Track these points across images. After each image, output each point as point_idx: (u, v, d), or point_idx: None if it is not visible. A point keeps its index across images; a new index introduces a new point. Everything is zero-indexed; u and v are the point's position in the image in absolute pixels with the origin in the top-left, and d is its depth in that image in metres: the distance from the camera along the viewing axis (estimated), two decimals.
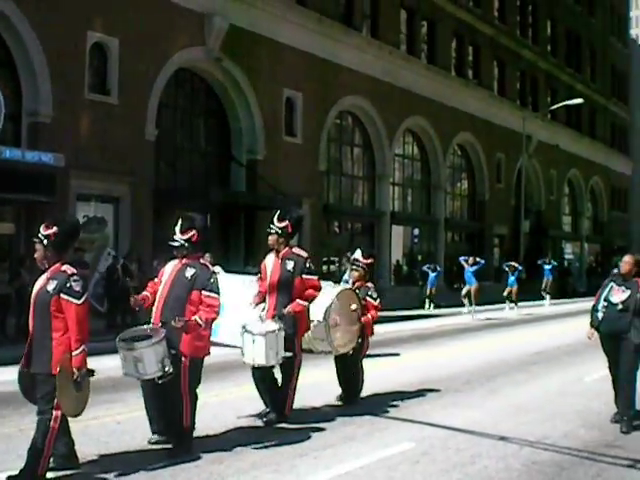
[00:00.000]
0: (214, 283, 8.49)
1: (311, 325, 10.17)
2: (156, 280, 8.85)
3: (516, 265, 32.37)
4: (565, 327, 24.77)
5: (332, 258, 36.07)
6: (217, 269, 9.82)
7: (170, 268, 8.71)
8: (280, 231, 9.75)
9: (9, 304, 20.55)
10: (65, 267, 7.21)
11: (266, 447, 8.61)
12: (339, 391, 11.31)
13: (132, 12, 25.74)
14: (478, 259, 30.21)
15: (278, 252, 9.82)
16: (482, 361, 16.48)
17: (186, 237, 8.55)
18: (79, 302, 7.12)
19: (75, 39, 24.10)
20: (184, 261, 8.58)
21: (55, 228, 7.27)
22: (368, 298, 11.20)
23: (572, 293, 49.78)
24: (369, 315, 11.20)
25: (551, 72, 57.01)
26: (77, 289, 7.13)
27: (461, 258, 30.66)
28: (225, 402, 11.23)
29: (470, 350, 19.04)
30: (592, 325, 10.11)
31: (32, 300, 7.26)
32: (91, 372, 7.36)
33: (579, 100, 50.19)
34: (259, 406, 9.91)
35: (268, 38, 31.40)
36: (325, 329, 10.41)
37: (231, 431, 9.43)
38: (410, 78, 40.26)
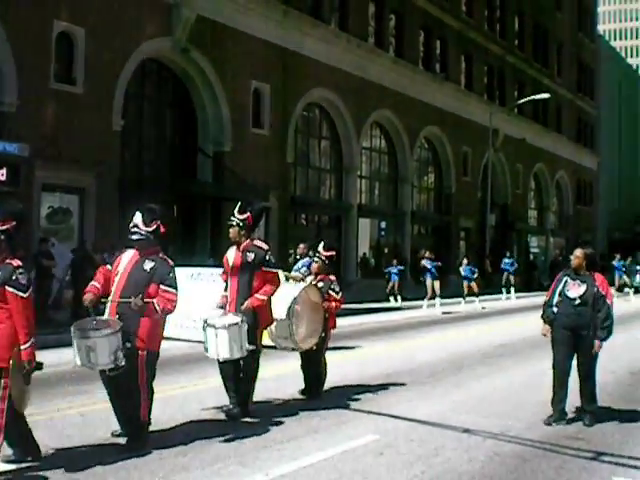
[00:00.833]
0: (173, 278, 8.28)
1: (274, 322, 10.17)
2: (109, 268, 8.55)
3: (466, 262, 32.04)
4: (529, 320, 24.81)
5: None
6: None
7: (127, 259, 8.42)
8: (241, 223, 9.67)
9: None
10: (12, 260, 7.10)
11: (230, 439, 8.59)
12: (303, 385, 11.29)
13: (99, 1, 25.61)
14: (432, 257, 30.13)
15: (239, 244, 9.74)
16: (447, 353, 16.56)
17: (151, 229, 8.32)
18: (25, 295, 7.03)
19: (41, 28, 23.89)
20: (143, 252, 8.33)
21: (11, 222, 7.19)
22: (330, 291, 11.17)
23: (538, 286, 50.07)
24: (332, 304, 11.16)
25: (518, 67, 57.30)
26: (23, 282, 7.03)
27: (424, 261, 30.30)
28: (190, 394, 11.20)
29: (435, 343, 19.13)
30: (546, 321, 10.04)
31: None
32: (39, 365, 7.27)
33: (546, 95, 50.55)
34: (224, 399, 9.88)
35: (236, 29, 31.30)
36: (289, 327, 10.40)
37: (195, 423, 9.40)
38: (378, 71, 40.32)
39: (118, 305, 8.17)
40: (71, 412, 9.81)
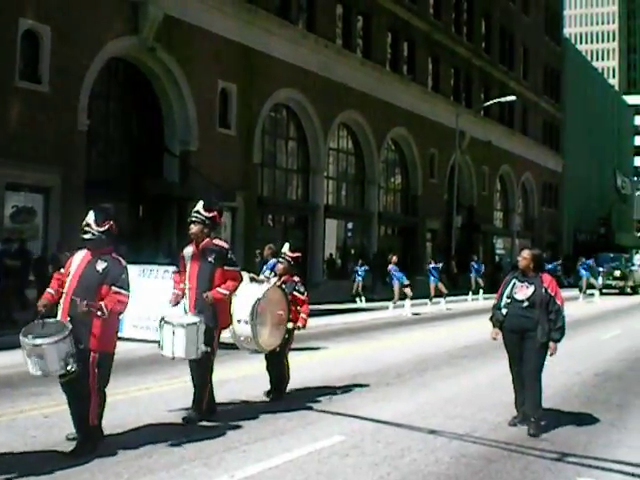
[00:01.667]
0: (125, 279, 8.16)
1: (237, 324, 10.09)
2: (62, 271, 8.45)
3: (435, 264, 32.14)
4: None
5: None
6: None
7: (79, 259, 8.31)
8: (207, 221, 9.49)
9: None
10: None
11: (196, 440, 8.54)
12: (268, 386, 11.23)
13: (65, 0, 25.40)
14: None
15: (197, 244, 9.55)
16: (413, 355, 16.60)
17: (103, 229, 8.19)
18: None
19: (6, 26, 23.69)
20: (95, 253, 8.21)
21: None
22: (295, 292, 11.13)
23: None
24: (303, 315, 11.11)
25: (485, 69, 57.68)
26: None
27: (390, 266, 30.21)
28: (156, 396, 11.11)
29: (401, 344, 19.15)
30: (495, 324, 9.89)
31: None
32: None
33: (512, 97, 51.01)
34: (190, 400, 9.82)
35: (203, 29, 31.24)
36: (252, 329, 10.28)
37: (161, 425, 9.33)
38: (345, 72, 40.40)
39: (70, 306, 8.03)
40: (34, 413, 9.71)
